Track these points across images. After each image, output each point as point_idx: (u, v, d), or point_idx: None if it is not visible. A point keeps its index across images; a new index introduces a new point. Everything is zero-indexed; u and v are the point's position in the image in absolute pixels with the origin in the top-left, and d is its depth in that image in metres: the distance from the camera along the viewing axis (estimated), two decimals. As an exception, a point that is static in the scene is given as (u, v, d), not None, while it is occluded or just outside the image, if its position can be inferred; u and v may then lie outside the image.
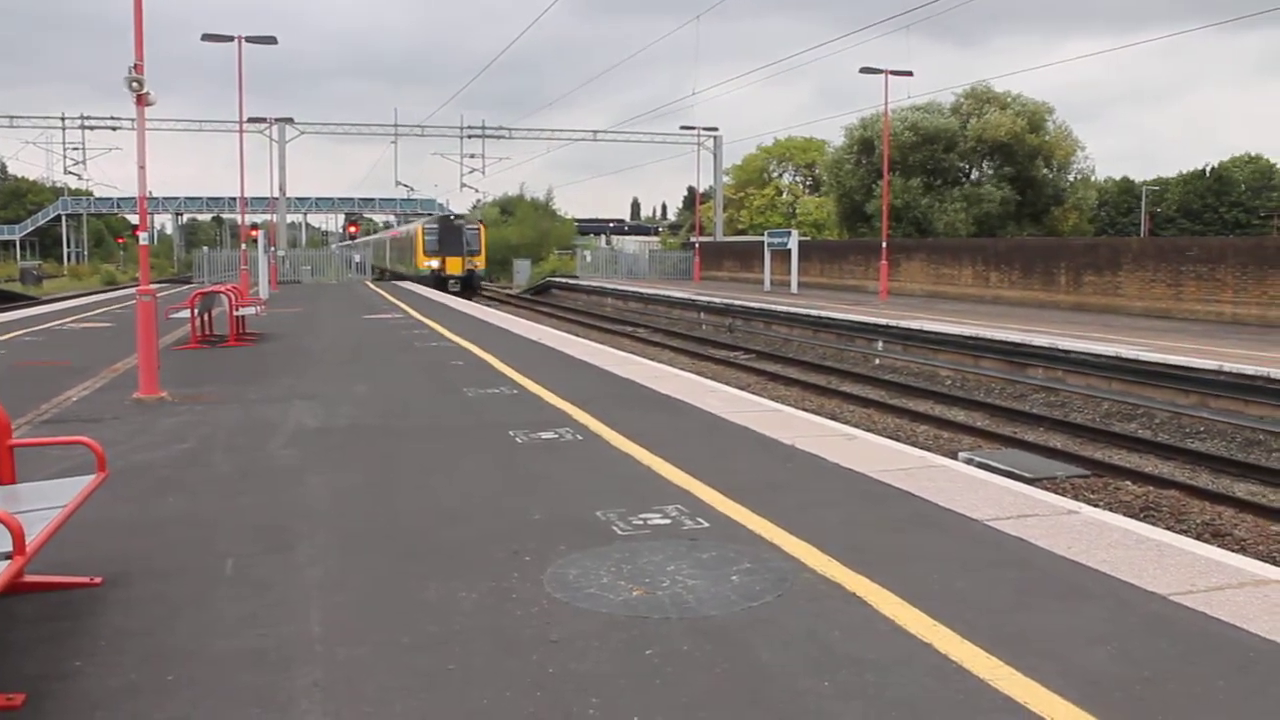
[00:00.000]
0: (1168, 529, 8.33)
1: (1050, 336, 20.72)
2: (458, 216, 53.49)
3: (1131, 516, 8.74)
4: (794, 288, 40.64)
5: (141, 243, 12.86)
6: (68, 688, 3.99)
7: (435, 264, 48.02)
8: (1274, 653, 4.22)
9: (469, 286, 47.46)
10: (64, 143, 72.09)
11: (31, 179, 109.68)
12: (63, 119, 69.68)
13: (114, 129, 66.22)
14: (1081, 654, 4.22)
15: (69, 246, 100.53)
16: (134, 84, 11.37)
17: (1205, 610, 4.69)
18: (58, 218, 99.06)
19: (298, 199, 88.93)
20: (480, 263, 49.93)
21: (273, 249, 46.27)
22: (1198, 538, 9.00)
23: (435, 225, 50.29)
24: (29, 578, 5.00)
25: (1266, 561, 5.62)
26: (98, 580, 5.18)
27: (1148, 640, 4.38)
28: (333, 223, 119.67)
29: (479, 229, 50.56)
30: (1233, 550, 7.97)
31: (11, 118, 66.35)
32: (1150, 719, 3.66)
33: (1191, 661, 4.16)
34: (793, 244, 41.53)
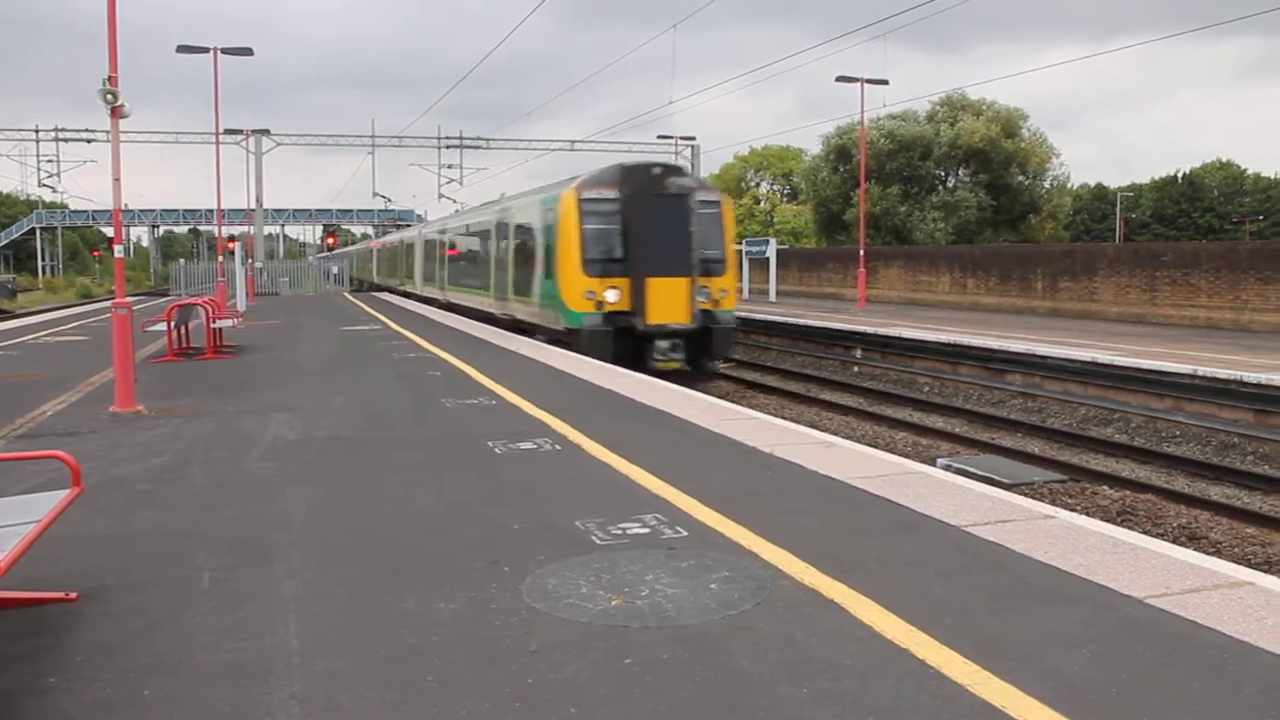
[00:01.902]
0: (1144, 533, 8.39)
1: (1027, 342, 20.84)
2: (666, 168, 21.60)
3: (1108, 520, 8.80)
4: (772, 295, 40.74)
5: (117, 255, 12.79)
6: (42, 704, 3.96)
7: (613, 295, 19.53)
8: (1247, 654, 4.26)
9: (706, 350, 20.10)
10: (38, 155, 71.45)
11: (5, 192, 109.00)
12: (36, 131, 69.10)
13: (89, 141, 65.73)
14: (1058, 658, 4.25)
15: (44, 260, 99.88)
16: (108, 96, 11.33)
17: (1180, 613, 4.73)
18: (32, 231, 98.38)
19: (275, 210, 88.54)
20: (727, 293, 20.57)
21: (250, 261, 46.11)
22: (1174, 541, 9.07)
23: (614, 194, 20.18)
24: (2, 594, 4.97)
25: (1241, 563, 5.67)
26: (73, 595, 5.15)
27: (1124, 643, 4.41)
28: (311, 234, 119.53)
29: (719, 205, 21.13)
30: (1208, 553, 8.04)
31: (-15, 130, 65.92)
32: (1126, 721, 3.69)
33: (1167, 664, 4.19)
34: (770, 252, 41.67)
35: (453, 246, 33.70)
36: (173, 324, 18.01)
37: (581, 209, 19.76)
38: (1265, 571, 5.55)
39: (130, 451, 9.15)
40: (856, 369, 23.84)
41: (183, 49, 33.20)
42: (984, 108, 51.93)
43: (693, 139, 64.54)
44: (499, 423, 10.38)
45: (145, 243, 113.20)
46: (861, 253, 37.44)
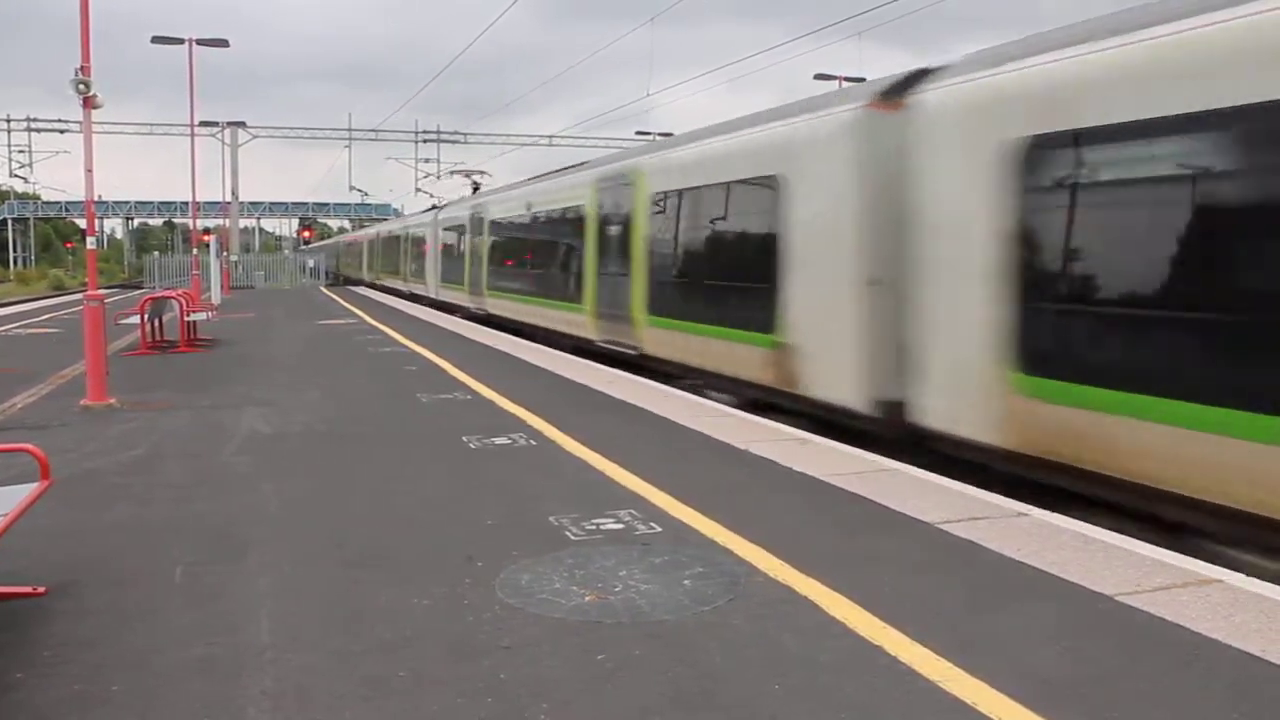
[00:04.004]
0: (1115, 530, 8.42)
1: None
2: None
3: (1080, 518, 8.83)
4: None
5: (90, 247, 12.69)
6: (10, 700, 3.92)
7: None
8: (1215, 650, 4.29)
9: None
10: (9, 145, 70.93)
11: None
12: (8, 121, 68.66)
13: (61, 132, 65.31)
14: (1031, 655, 4.27)
15: (15, 251, 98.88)
16: (80, 86, 11.23)
17: (1151, 610, 4.76)
18: (4, 222, 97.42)
19: (251, 203, 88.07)
20: None
21: (225, 254, 45.86)
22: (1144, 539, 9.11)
23: None
24: (-29, 588, 4.91)
25: (1210, 561, 5.71)
26: (41, 590, 5.10)
27: (1096, 640, 4.43)
28: (287, 227, 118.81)
29: None
30: (1178, 551, 8.06)
31: (-45, 120, 65.38)
32: (1097, 717, 3.71)
33: (1138, 660, 4.22)
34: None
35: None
36: (146, 317, 17.89)
37: None
38: (1234, 570, 5.59)
39: (102, 445, 9.07)
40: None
41: (158, 39, 32.92)
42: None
43: (670, 135, 64.38)
44: (474, 418, 10.35)
45: (119, 235, 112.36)
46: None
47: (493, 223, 25.59)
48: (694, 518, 6.42)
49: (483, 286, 26.32)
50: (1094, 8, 8.39)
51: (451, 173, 39.01)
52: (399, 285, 42.91)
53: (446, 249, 32.41)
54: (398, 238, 44.92)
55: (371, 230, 60.92)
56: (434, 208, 37.99)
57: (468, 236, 28.56)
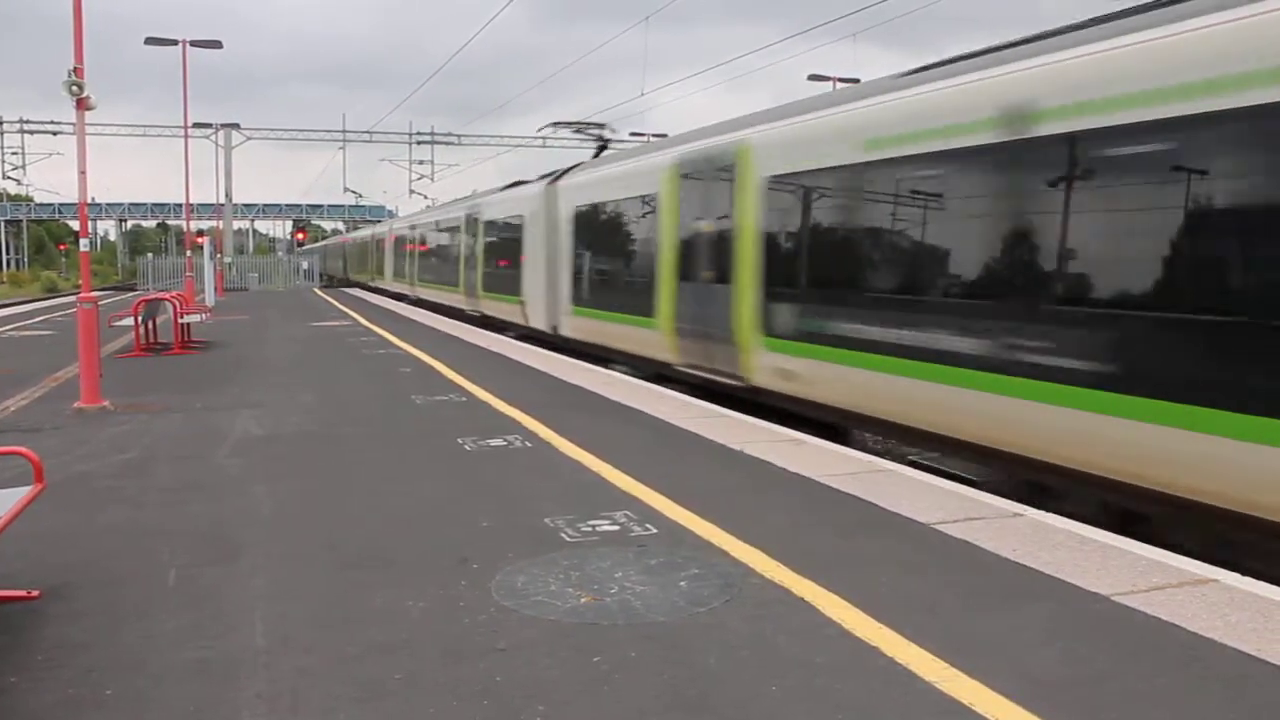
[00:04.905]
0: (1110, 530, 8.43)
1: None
2: None
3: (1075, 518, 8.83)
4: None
5: (83, 249, 12.65)
6: (3, 704, 3.90)
7: None
8: (1212, 650, 4.29)
9: None
10: (2, 147, 70.74)
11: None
12: (0, 123, 68.46)
13: (55, 134, 65.17)
14: (1027, 655, 4.27)
15: (8, 253, 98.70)
16: (73, 87, 11.19)
17: (1147, 610, 4.76)
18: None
19: (245, 205, 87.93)
20: None
21: (219, 256, 45.79)
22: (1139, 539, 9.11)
23: None
24: (-36, 591, 4.89)
25: (1205, 561, 5.71)
26: (34, 593, 5.08)
27: (1091, 640, 4.43)
28: (281, 229, 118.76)
29: None
30: (1173, 550, 8.07)
31: (-53, 122, 65.24)
32: (1095, 718, 3.71)
33: (1134, 660, 4.22)
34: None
35: None
36: (140, 319, 17.86)
37: None
38: (1229, 569, 5.60)
39: (95, 447, 9.05)
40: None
41: (151, 40, 32.90)
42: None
43: (665, 136, 64.29)
44: (469, 419, 10.33)
45: (113, 237, 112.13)
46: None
47: (773, 183, 11.71)
48: (690, 519, 6.42)
49: (742, 324, 12.19)
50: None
51: (555, 125, 25.42)
52: (456, 303, 29.35)
53: (585, 248, 18.58)
54: (453, 231, 30.39)
55: (400, 223, 46.19)
56: (521, 181, 24.82)
57: (660, 224, 14.77)
